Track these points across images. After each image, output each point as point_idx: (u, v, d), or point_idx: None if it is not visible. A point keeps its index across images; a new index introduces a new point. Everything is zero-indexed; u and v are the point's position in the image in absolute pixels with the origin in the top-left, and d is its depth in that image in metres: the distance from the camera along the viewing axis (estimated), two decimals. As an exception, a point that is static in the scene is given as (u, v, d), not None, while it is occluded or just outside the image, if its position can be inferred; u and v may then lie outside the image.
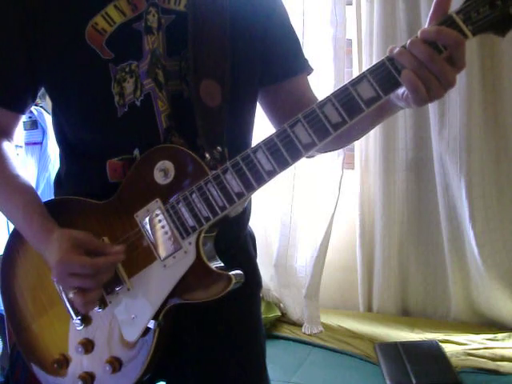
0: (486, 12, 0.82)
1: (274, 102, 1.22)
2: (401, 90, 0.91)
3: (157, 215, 1.03)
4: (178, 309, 1.05)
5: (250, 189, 0.96)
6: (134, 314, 1.05)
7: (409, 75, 0.85)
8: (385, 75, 0.87)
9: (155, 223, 1.03)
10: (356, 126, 0.91)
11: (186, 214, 1.00)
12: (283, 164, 0.94)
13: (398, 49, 0.86)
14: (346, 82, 0.89)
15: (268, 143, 0.95)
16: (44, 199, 1.15)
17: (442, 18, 0.84)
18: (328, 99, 0.91)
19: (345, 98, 0.89)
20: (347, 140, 1.20)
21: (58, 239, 1.04)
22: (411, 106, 0.91)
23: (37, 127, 2.80)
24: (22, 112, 1.18)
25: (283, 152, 0.94)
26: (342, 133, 0.91)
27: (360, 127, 1.07)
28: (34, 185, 1.20)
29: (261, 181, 0.96)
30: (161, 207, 1.03)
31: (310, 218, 3.17)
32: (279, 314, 3.26)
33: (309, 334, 3.10)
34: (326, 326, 3.15)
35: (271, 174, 0.95)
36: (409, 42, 0.85)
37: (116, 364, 1.07)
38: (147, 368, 1.06)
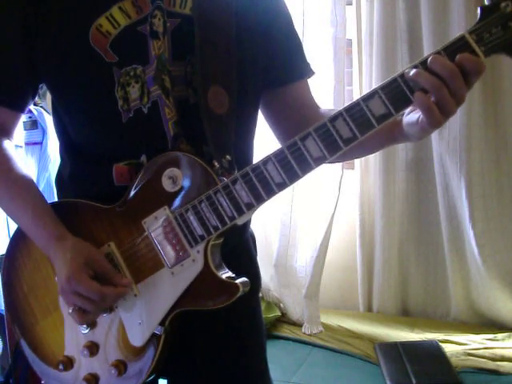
0: (499, 33, 0.82)
1: (273, 106, 1.21)
2: (415, 116, 0.91)
3: (165, 222, 1.02)
4: (184, 314, 1.04)
5: (260, 200, 0.96)
6: (141, 319, 1.05)
7: (421, 96, 0.85)
8: (397, 92, 0.87)
9: (163, 231, 1.02)
10: (366, 146, 0.90)
11: (195, 223, 1.00)
12: (293, 177, 0.94)
13: (413, 71, 0.85)
14: (358, 97, 0.89)
15: (278, 155, 0.94)
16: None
17: (455, 38, 0.84)
18: (339, 113, 0.90)
19: (356, 113, 0.89)
20: (354, 155, 1.20)
21: (71, 250, 1.04)
22: (424, 131, 0.91)
23: (37, 127, 2.79)
24: (22, 111, 1.17)
25: (293, 165, 0.93)
26: (351, 148, 0.91)
27: (369, 147, 1.08)
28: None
29: (271, 193, 0.95)
30: (169, 215, 1.02)
31: (310, 218, 3.18)
32: (279, 313, 3.27)
33: (309, 334, 3.10)
34: (326, 326, 3.16)
35: (281, 186, 0.95)
36: (430, 58, 0.84)
37: (121, 367, 1.07)
38: (152, 372, 1.06)
